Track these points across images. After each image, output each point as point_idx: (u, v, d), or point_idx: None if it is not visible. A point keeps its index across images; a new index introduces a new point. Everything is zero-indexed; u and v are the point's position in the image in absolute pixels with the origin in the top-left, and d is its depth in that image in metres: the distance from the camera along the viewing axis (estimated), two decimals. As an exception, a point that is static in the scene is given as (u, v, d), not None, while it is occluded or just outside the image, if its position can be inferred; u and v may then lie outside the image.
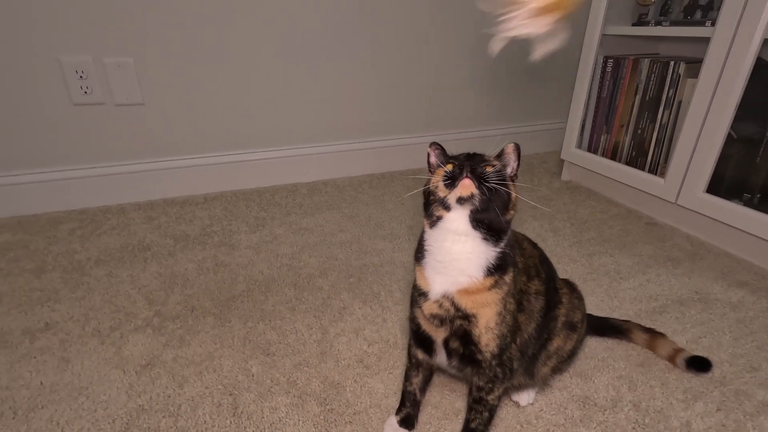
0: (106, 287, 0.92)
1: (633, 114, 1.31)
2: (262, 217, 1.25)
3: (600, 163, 1.40)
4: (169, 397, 0.66)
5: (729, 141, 1.06)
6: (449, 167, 0.50)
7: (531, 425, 0.62)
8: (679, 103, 1.18)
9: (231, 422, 0.62)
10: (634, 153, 1.33)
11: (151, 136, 1.31)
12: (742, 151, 1.08)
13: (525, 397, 0.66)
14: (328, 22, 1.38)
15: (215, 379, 0.70)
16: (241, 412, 0.64)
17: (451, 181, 0.48)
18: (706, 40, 1.04)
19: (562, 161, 1.57)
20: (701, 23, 1.11)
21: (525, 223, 1.24)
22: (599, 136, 1.44)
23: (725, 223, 1.07)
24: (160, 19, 1.20)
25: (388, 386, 0.69)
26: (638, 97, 1.29)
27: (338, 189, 1.47)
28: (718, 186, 1.10)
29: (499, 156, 0.54)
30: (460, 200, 0.48)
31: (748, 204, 1.06)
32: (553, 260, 1.05)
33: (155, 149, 1.33)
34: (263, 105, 1.41)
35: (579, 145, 1.50)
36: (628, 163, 1.34)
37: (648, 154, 1.28)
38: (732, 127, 1.05)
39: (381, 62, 1.50)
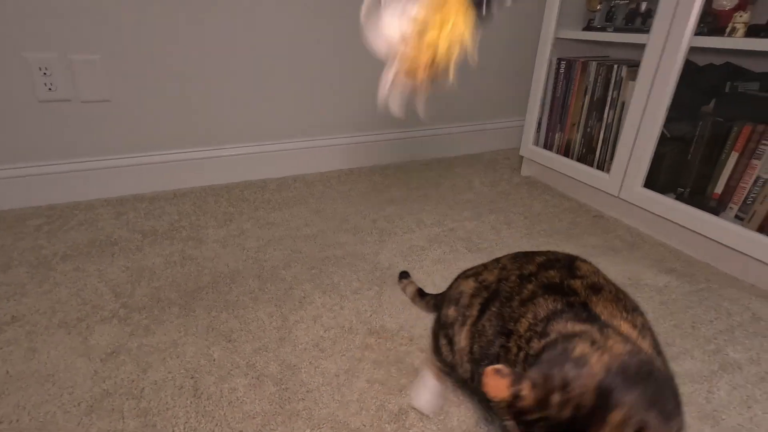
0: (73, 281, 0.95)
1: (583, 113, 1.40)
2: (231, 213, 1.29)
3: (554, 160, 1.49)
4: (133, 381, 0.71)
5: (663, 140, 1.15)
6: None
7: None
8: (623, 103, 1.27)
9: (191, 402, 0.67)
10: (584, 150, 1.42)
11: (120, 132, 1.33)
12: (675, 149, 1.18)
13: None
14: (297, 17, 1.41)
15: (178, 364, 0.74)
16: (202, 393, 0.69)
17: None
18: (643, 46, 1.13)
19: (522, 157, 1.65)
20: (640, 30, 1.20)
21: (482, 216, 1.32)
22: (554, 134, 1.52)
23: (660, 216, 1.16)
24: (127, 15, 1.22)
25: (340, 366, 0.75)
26: (587, 97, 1.37)
27: (307, 184, 1.52)
28: (654, 181, 1.19)
29: None
30: None
31: (680, 198, 1.15)
32: (504, 251, 1.13)
33: (124, 145, 1.35)
34: (233, 101, 1.44)
35: (536, 143, 1.58)
36: (579, 160, 1.43)
37: (596, 151, 1.37)
38: (665, 127, 1.14)
39: (349, 58, 1.54)
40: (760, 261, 0.97)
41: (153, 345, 0.78)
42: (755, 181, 1.03)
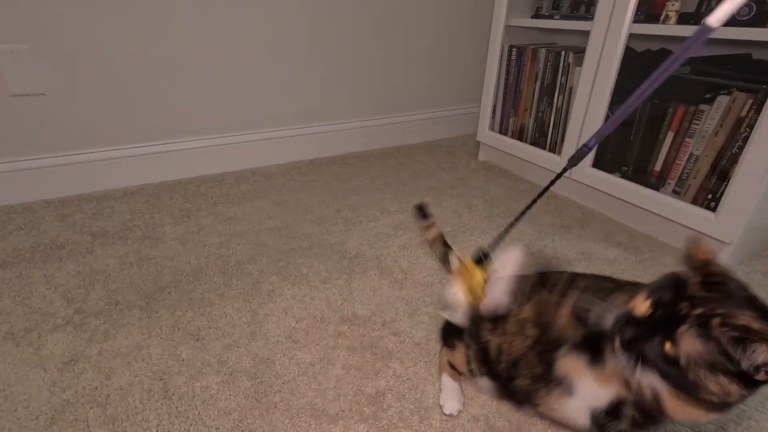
0: (17, 289, 0.88)
1: (535, 99, 1.46)
2: (188, 209, 1.24)
3: (509, 144, 1.54)
4: (96, 388, 0.67)
5: (605, 120, 1.22)
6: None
7: (440, 375, 0.72)
8: (570, 89, 1.34)
9: (162, 404, 0.65)
10: (537, 134, 1.48)
11: (58, 128, 1.23)
12: (619, 131, 1.25)
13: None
14: (251, 5, 1.36)
15: (144, 367, 0.72)
16: (173, 394, 0.67)
17: None
18: (588, 33, 1.19)
19: (479, 143, 1.70)
20: (584, 17, 1.26)
21: (444, 201, 1.35)
22: (508, 119, 1.58)
23: (607, 193, 1.24)
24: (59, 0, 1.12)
25: (315, 356, 0.75)
26: (538, 83, 1.43)
27: (266, 177, 1.49)
28: (601, 161, 1.27)
29: None
30: None
31: (624, 176, 1.24)
32: (467, 233, 1.16)
33: (63, 142, 1.25)
34: (183, 92, 1.37)
35: (492, 128, 1.63)
36: (533, 143, 1.50)
37: (548, 134, 1.44)
38: (610, 110, 1.22)
39: (305, 48, 1.51)
40: (694, 229, 1.06)
41: (114, 350, 0.75)
42: (689, 158, 1.12)
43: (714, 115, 1.05)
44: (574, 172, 1.31)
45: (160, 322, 0.81)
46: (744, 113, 0.99)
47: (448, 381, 0.69)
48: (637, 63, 1.24)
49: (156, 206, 1.25)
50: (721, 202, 0.99)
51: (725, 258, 1.02)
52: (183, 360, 0.73)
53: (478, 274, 0.58)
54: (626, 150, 1.26)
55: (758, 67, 1.04)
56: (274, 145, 1.58)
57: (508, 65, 1.52)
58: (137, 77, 1.29)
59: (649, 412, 0.45)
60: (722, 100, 1.03)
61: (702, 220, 1.03)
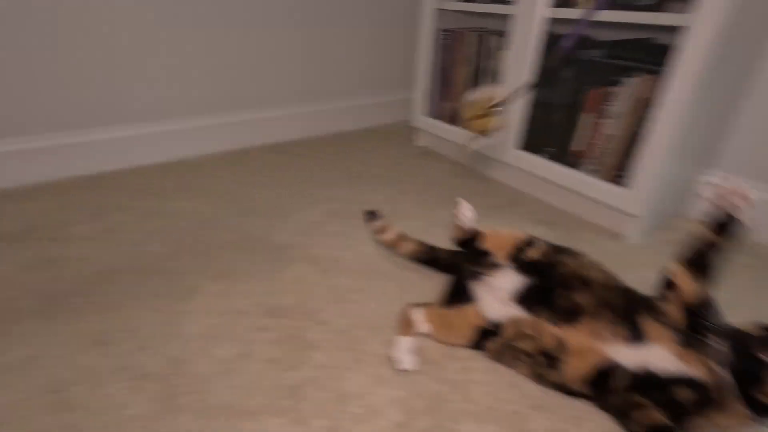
0: None
1: (466, 83, 1.48)
2: (102, 205, 1.15)
3: (444, 129, 1.56)
4: (-20, 407, 0.61)
5: (531, 104, 1.26)
6: None
7: (363, 361, 0.71)
8: (497, 73, 1.36)
9: (60, 418, 0.60)
10: (469, 118, 1.50)
11: (-61, 120, 1.10)
12: (542, 113, 1.30)
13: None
14: (157, -13, 1.26)
15: (39, 379, 0.65)
16: (73, 406, 0.62)
17: None
18: (510, 16, 1.21)
19: (417, 128, 1.70)
20: (507, 1, 1.28)
21: (379, 187, 1.34)
22: (442, 104, 1.59)
23: (534, 174, 1.29)
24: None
25: (233, 352, 0.72)
26: (468, 67, 1.45)
27: (192, 168, 1.41)
28: (528, 143, 1.31)
29: None
30: None
31: (549, 157, 1.29)
32: (401, 218, 1.16)
33: (-52, 136, 1.12)
34: (92, 75, 1.26)
35: (427, 113, 1.64)
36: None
37: (479, 118, 1.46)
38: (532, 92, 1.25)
39: (232, 29, 1.43)
40: (610, 205, 1.12)
41: (5, 363, 0.68)
42: (605, 138, 1.18)
43: (623, 97, 1.11)
44: (502, 155, 1.35)
45: (61, 329, 0.75)
46: (648, 94, 1.05)
47: (406, 339, 0.74)
48: (557, 46, 1.28)
49: (64, 204, 1.15)
50: (630, 179, 1.05)
51: (636, 230, 1.09)
52: (85, 368, 0.68)
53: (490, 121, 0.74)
54: (550, 132, 1.30)
55: (659, 50, 1.11)
56: (200, 134, 1.50)
57: (439, 49, 1.52)
58: (40, 61, 1.16)
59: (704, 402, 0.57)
60: (629, 83, 1.08)
61: (615, 195, 1.09)
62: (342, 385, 0.67)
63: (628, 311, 0.64)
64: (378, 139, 1.77)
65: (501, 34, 1.34)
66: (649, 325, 0.62)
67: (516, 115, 1.27)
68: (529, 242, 0.78)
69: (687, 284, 0.62)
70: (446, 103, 1.57)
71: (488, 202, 1.28)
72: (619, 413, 0.63)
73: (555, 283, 0.70)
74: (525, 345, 0.68)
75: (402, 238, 0.98)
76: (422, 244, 0.96)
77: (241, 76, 1.52)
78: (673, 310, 0.62)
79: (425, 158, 1.59)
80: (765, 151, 1.11)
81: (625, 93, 1.10)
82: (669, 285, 0.64)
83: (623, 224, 1.12)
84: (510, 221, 1.17)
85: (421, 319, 0.77)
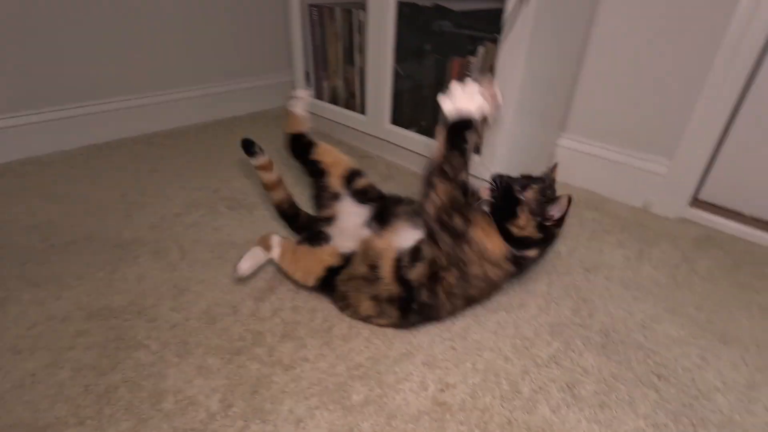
0: None
1: (339, 59, 1.45)
2: None
3: (326, 109, 1.52)
4: None
5: (400, 78, 1.26)
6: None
7: (190, 354, 0.68)
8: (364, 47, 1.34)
9: None
10: (347, 95, 1.48)
11: None
12: (412, 87, 1.31)
13: None
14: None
15: None
16: None
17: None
18: (367, -11, 1.19)
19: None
20: (365, -26, 1.26)
21: (251, 173, 1.28)
22: (322, 83, 1.55)
23: (408, 149, 1.30)
24: None
25: (40, 363, 0.65)
26: (340, 43, 1.42)
27: (41, 167, 1.27)
28: (400, 117, 1.31)
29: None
30: None
31: (420, 131, 1.30)
32: (269, 203, 1.12)
33: None
34: None
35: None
36: (346, 106, 1.50)
37: (356, 95, 1.44)
38: (399, 66, 1.25)
39: (78, 10, 1.28)
40: (473, 176, 1.16)
41: None
42: (466, 108, 1.21)
43: (477, 66, 1.14)
44: (378, 130, 1.34)
45: None
46: (495, 62, 1.08)
47: (257, 249, 0.78)
48: (416, 19, 1.28)
49: None
50: (485, 145, 1.09)
51: (496, 195, 1.13)
52: None
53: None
54: (421, 106, 1.32)
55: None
56: (53, 128, 1.35)
57: (312, 27, 1.47)
58: None
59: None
60: (480, 51, 1.11)
61: (473, 163, 1.12)
62: (161, 382, 0.63)
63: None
64: (264, 123, 1.71)
65: (364, 7, 1.32)
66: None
67: (384, 89, 1.27)
68: (358, 171, 0.86)
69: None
70: (325, 82, 1.54)
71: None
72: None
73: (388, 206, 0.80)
74: (362, 268, 0.72)
75: (280, 183, 0.95)
76: (292, 197, 0.96)
77: (106, 59, 1.38)
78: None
79: (310, 140, 1.55)
80: (604, 113, 1.19)
81: (479, 62, 1.13)
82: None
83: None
84: (381, 196, 1.18)
85: (276, 243, 0.80)
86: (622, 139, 1.17)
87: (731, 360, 0.70)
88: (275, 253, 0.79)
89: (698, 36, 0.99)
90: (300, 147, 0.90)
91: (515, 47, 0.95)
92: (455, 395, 0.63)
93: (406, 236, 0.74)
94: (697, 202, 1.12)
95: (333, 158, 0.87)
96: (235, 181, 1.23)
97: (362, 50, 1.36)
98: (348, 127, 1.47)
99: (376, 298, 0.71)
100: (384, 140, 1.35)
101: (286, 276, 0.82)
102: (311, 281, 0.77)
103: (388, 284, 0.71)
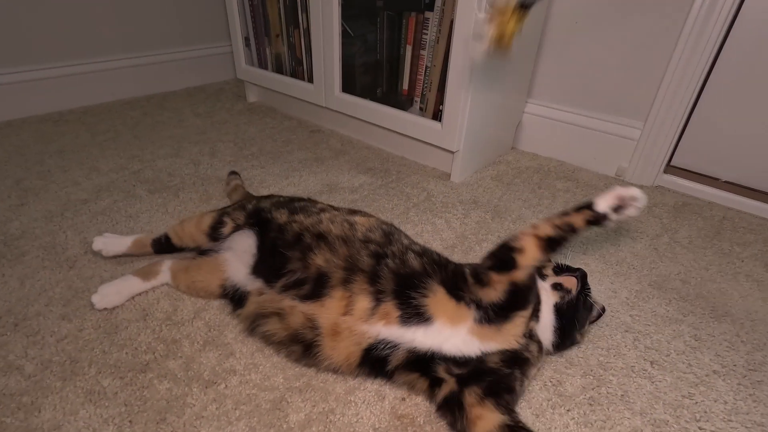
0: None
1: (282, 21, 1.28)
2: None
3: (270, 79, 1.35)
4: None
5: (349, 40, 1.11)
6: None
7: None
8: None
9: None
10: (293, 63, 1.32)
11: None
12: (364, 48, 1.16)
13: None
14: None
15: None
16: None
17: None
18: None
19: (251, 83, 1.47)
20: None
21: (182, 150, 1.11)
22: (264, 50, 1.38)
23: (363, 120, 1.16)
24: None
25: None
26: (281, 2, 1.25)
27: None
28: (352, 85, 1.17)
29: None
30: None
31: (378, 99, 1.16)
32: (198, 183, 0.96)
33: None
34: None
35: (250, 62, 1.41)
36: (293, 74, 1.33)
37: (303, 61, 1.28)
38: (349, 26, 1.10)
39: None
40: (436, 146, 1.03)
41: None
42: (425, 71, 1.08)
43: (435, 21, 1.01)
44: (327, 100, 1.19)
45: None
46: (455, 16, 0.95)
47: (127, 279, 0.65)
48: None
49: None
50: (443, 112, 0.97)
51: (459, 167, 1.02)
52: None
53: (512, 22, 0.57)
54: (377, 71, 1.18)
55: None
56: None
57: (247, -16, 1.29)
58: None
59: None
60: (438, 4, 0.98)
61: (434, 132, 1.00)
62: (31, 416, 0.48)
63: (404, 287, 0.50)
64: (205, 97, 1.51)
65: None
66: (433, 301, 0.50)
67: (331, 52, 1.11)
68: (219, 221, 0.63)
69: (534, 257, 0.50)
70: (268, 48, 1.36)
71: (313, 155, 1.12)
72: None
73: (287, 245, 0.56)
74: (273, 327, 0.54)
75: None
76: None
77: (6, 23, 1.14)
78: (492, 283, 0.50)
79: (253, 114, 1.38)
80: (572, 76, 1.10)
81: (436, 16, 1.00)
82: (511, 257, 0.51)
83: (449, 163, 1.05)
84: (331, 174, 1.03)
85: (165, 268, 0.66)
86: (593, 103, 1.08)
87: (726, 338, 0.62)
88: (167, 277, 0.66)
89: (674, -17, 0.90)
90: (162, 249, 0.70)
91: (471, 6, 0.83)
92: (419, 405, 0.51)
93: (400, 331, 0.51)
94: (671, 168, 1.05)
95: (187, 233, 0.66)
96: (161, 161, 1.05)
97: (306, 8, 1.20)
98: (295, 98, 1.31)
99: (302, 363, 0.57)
100: (335, 111, 1.20)
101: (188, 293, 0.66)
102: (211, 290, 0.63)
103: (341, 367, 0.54)
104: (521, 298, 0.50)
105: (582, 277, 0.55)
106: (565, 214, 0.52)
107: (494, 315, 0.49)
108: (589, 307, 0.55)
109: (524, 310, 0.50)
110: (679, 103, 0.95)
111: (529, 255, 0.49)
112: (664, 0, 0.91)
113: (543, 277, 0.56)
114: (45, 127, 1.20)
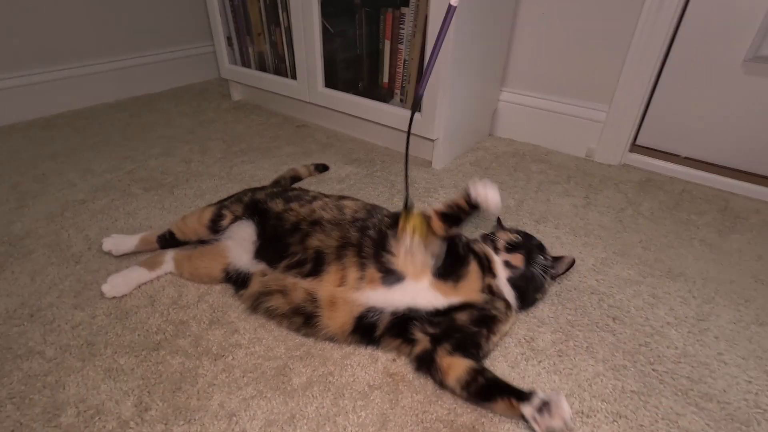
0: None
1: (264, 20, 1.31)
2: None
3: (254, 77, 1.39)
4: None
5: (330, 36, 1.16)
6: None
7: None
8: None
9: None
10: (276, 60, 1.36)
11: None
12: (344, 44, 1.21)
13: None
14: None
15: None
16: None
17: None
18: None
19: (235, 82, 1.50)
20: None
21: (173, 150, 1.15)
22: (247, 48, 1.41)
23: (346, 113, 1.21)
24: None
25: None
26: (262, 1, 1.28)
27: None
28: (335, 80, 1.22)
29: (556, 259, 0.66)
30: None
31: (360, 92, 1.21)
32: (191, 180, 1.00)
33: None
34: None
35: (233, 61, 1.45)
36: (276, 72, 1.37)
37: (285, 58, 1.32)
38: (329, 23, 1.15)
39: None
40: (417, 135, 1.09)
41: None
42: (404, 64, 1.14)
43: (410, 17, 1.06)
44: (311, 95, 1.24)
45: None
46: (429, 11, 1.01)
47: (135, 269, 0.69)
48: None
49: None
50: (422, 102, 1.02)
51: (440, 155, 1.08)
52: None
53: (412, 222, 0.60)
54: (358, 66, 1.22)
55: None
56: None
57: (228, -16, 1.32)
58: None
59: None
60: (413, 0, 1.03)
61: (414, 122, 1.06)
62: (58, 393, 0.53)
63: (378, 248, 0.59)
64: (191, 97, 1.54)
65: (286, -42, 1.19)
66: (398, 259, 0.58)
67: (312, 48, 1.16)
68: (219, 214, 0.70)
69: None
70: (251, 47, 1.40)
71: (300, 150, 1.17)
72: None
73: (286, 232, 0.63)
74: (276, 302, 0.60)
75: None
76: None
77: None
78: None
79: (240, 112, 1.42)
80: (542, 64, 1.16)
81: (412, 11, 1.05)
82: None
83: (430, 151, 1.11)
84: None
85: (168, 258, 0.71)
86: (562, 88, 1.15)
87: (680, 295, 0.69)
88: (170, 267, 0.71)
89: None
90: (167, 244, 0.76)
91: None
92: (408, 364, 0.57)
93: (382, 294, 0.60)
94: (636, 147, 1.12)
95: (189, 229, 0.73)
96: (153, 160, 1.09)
97: (287, 7, 1.24)
98: (280, 95, 1.35)
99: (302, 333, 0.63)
100: (320, 106, 1.25)
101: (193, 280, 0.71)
102: (214, 275, 0.68)
103: (337, 335, 0.61)
104: (454, 251, 0.60)
105: (528, 252, 0.62)
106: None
107: (444, 271, 0.58)
108: (540, 277, 0.62)
109: (467, 265, 0.60)
110: (640, 86, 1.02)
111: (435, 224, 0.61)
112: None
113: (497, 251, 0.64)
114: (34, 133, 1.22)
